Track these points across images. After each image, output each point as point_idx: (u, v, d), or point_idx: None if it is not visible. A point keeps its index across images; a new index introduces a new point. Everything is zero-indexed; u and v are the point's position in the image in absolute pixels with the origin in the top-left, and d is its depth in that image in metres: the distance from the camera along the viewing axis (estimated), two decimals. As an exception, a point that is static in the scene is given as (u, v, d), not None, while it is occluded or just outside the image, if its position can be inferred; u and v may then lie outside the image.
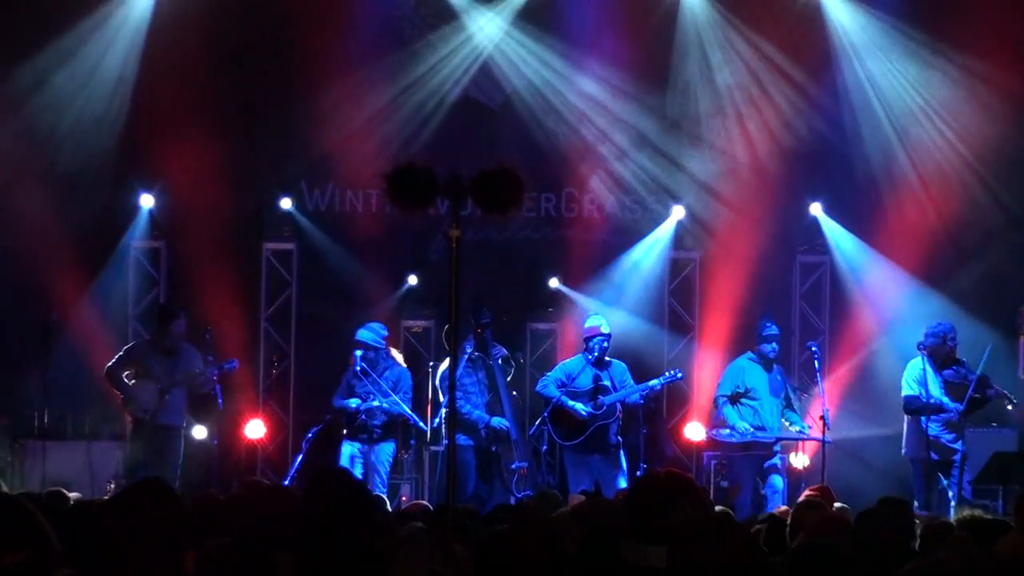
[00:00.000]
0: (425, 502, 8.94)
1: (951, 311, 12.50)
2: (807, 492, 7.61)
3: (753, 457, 11.37)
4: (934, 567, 4.17)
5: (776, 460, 11.37)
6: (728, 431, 11.40)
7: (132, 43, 13.58)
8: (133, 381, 11.34)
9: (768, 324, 11.57)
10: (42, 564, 4.25)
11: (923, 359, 11.01)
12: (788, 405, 11.45)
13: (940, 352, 11.02)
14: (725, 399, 11.41)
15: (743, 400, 11.34)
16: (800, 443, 11.97)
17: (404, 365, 11.79)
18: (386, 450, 11.55)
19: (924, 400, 10.94)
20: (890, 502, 6.05)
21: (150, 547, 3.78)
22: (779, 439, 11.34)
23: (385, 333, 11.66)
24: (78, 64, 13.47)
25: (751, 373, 11.37)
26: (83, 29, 13.42)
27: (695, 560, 3.72)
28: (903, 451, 11.23)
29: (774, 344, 11.47)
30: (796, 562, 4.48)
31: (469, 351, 11.41)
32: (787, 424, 11.45)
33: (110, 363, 11.47)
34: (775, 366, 11.51)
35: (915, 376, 11.07)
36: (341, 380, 11.68)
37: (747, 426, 11.27)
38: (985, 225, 13.56)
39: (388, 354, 11.64)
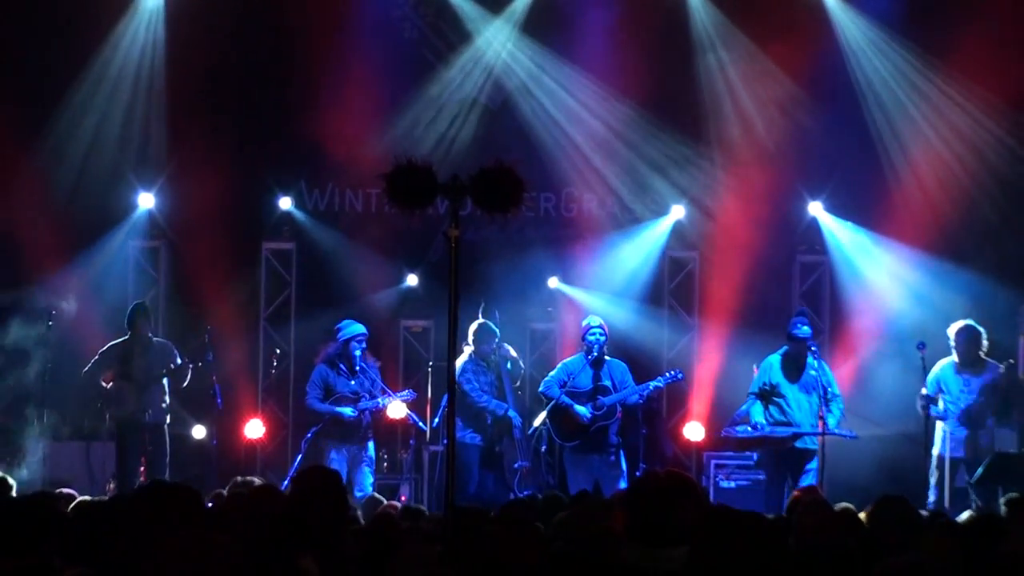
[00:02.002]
0: (396, 503, 8.91)
1: (952, 309, 12.48)
2: (794, 495, 7.58)
3: (772, 452, 11.13)
4: (909, 566, 4.16)
5: (814, 462, 10.97)
6: (742, 428, 11.28)
7: (135, 44, 13.59)
8: (112, 383, 11.32)
9: (797, 323, 11.26)
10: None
11: (951, 359, 11.08)
12: (824, 402, 11.03)
13: (964, 353, 10.99)
14: (754, 396, 11.29)
15: (772, 397, 11.22)
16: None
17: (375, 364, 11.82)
18: (372, 449, 11.56)
19: (933, 396, 11.04)
20: (889, 500, 6.03)
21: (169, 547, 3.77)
22: (796, 434, 11.03)
23: None
24: (80, 61, 13.48)
25: (777, 369, 11.21)
26: (84, 29, 13.43)
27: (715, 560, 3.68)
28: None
29: (800, 345, 11.12)
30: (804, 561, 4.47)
31: (472, 349, 11.49)
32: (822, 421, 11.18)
33: (87, 367, 11.45)
34: (813, 362, 11.13)
35: (934, 376, 11.13)
36: (313, 379, 11.57)
37: (762, 420, 11.16)
38: (982, 223, 13.55)
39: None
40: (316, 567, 4.48)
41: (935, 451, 11.09)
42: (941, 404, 11.10)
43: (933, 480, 11.02)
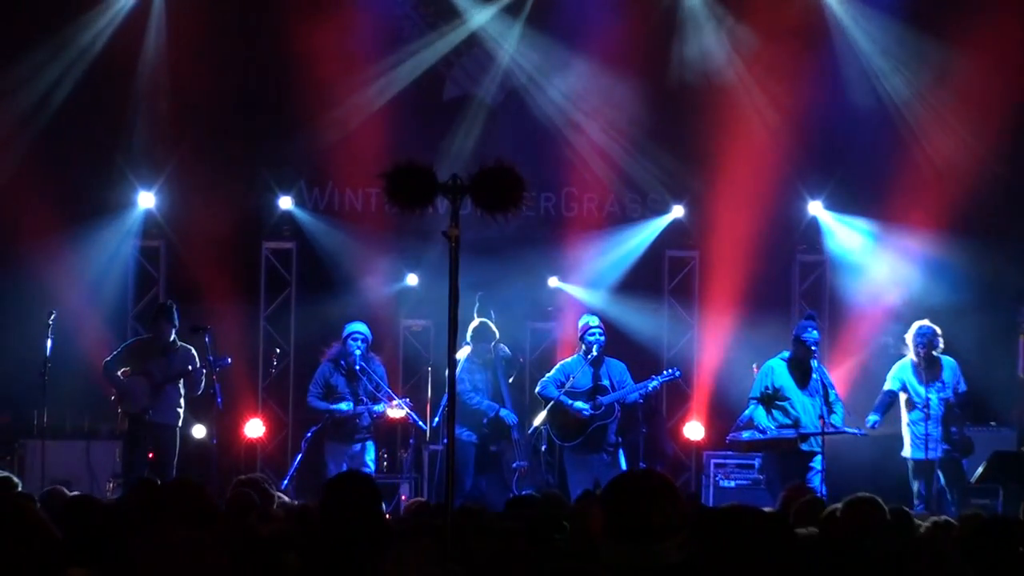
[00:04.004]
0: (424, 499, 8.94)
1: (952, 308, 12.48)
2: (783, 495, 7.57)
3: (777, 456, 11.08)
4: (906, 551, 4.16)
5: (816, 462, 10.94)
6: (749, 432, 11.26)
7: (135, 44, 13.58)
8: (128, 379, 11.32)
9: (808, 327, 11.19)
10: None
11: (909, 359, 11.14)
12: (828, 404, 11.02)
13: (924, 353, 11.04)
14: (755, 401, 11.24)
15: (775, 401, 11.20)
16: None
17: (383, 365, 11.83)
18: (372, 450, 11.59)
19: (888, 395, 11.16)
20: (857, 503, 6.02)
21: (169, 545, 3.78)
22: (801, 434, 10.98)
23: None
24: (77, 60, 13.47)
25: (779, 373, 11.15)
26: (82, 24, 13.42)
27: (722, 552, 3.70)
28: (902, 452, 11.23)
29: (813, 347, 11.07)
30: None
31: (470, 348, 11.50)
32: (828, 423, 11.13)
33: (107, 358, 11.49)
34: (815, 365, 11.11)
35: (895, 374, 11.22)
36: (315, 377, 11.65)
37: (770, 424, 11.15)
38: (989, 215, 13.53)
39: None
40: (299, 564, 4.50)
41: (908, 455, 11.12)
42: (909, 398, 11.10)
43: (917, 485, 11.00)
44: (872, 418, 11.16)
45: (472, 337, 11.55)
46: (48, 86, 13.40)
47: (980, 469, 10.84)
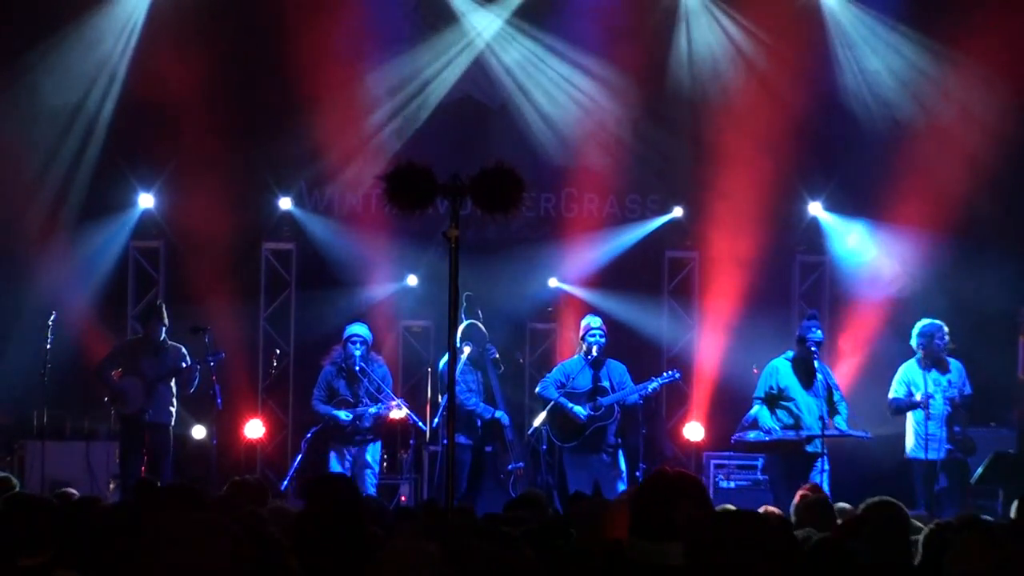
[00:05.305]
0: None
1: (951, 309, 12.48)
2: (800, 493, 7.56)
3: (781, 457, 11.04)
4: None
5: (820, 463, 10.84)
6: (755, 433, 11.23)
7: (131, 41, 13.58)
8: (120, 380, 11.33)
9: (812, 327, 11.14)
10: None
11: (915, 359, 11.08)
12: (831, 406, 11.00)
13: (930, 351, 11.02)
14: (759, 401, 11.20)
15: (780, 401, 11.17)
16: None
17: (385, 365, 11.81)
18: (376, 449, 11.58)
19: (906, 399, 11.06)
20: (876, 505, 6.00)
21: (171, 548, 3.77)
22: (810, 436, 10.89)
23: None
24: (76, 61, 13.47)
25: (784, 373, 11.09)
26: (81, 26, 13.42)
27: (718, 558, 3.70)
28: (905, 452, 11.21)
29: (812, 347, 10.99)
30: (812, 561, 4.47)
31: (471, 349, 11.47)
32: (832, 424, 11.03)
33: (98, 361, 11.50)
34: (819, 366, 11.03)
35: (901, 377, 11.17)
36: (319, 381, 11.61)
37: (775, 425, 11.14)
38: (989, 215, 13.52)
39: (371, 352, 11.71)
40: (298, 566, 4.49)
41: (912, 455, 11.10)
42: (919, 396, 11.07)
43: (920, 486, 10.98)
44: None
45: (463, 339, 11.49)
46: (47, 85, 13.41)
47: (980, 470, 10.83)
